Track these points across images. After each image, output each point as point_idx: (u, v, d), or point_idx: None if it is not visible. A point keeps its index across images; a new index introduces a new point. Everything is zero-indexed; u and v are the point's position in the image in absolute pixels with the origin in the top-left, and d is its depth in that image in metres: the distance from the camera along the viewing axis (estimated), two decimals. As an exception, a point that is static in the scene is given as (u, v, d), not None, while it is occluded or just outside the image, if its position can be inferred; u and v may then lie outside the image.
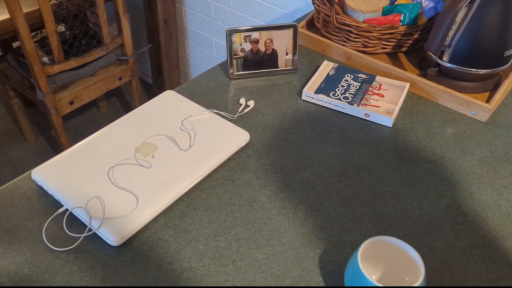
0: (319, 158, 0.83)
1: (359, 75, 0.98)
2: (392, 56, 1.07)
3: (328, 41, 1.07)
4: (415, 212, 0.74)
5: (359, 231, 0.71)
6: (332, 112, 0.93)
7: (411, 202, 0.76)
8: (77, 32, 1.71)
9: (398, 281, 0.61)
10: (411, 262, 0.58)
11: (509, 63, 0.95)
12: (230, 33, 0.96)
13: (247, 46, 0.98)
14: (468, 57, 0.92)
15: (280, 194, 0.76)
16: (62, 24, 1.68)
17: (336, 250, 0.68)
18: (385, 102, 0.92)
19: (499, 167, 0.82)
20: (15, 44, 2.05)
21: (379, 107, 0.90)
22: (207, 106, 0.94)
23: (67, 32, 1.81)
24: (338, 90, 0.94)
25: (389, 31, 1.02)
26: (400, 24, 1.04)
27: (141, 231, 0.70)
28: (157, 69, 2.21)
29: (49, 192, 0.72)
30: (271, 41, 0.98)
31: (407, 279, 0.60)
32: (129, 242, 0.68)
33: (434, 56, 0.96)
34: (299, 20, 1.20)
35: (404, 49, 1.06)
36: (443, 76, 0.97)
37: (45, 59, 1.68)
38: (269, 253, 0.67)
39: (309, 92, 0.94)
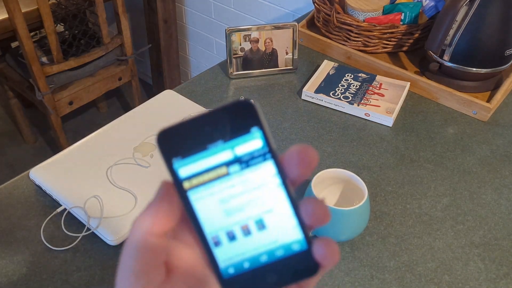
0: (319, 157, 0.82)
1: (360, 74, 0.98)
2: (393, 56, 1.07)
3: (329, 41, 1.07)
4: (415, 212, 0.74)
5: (359, 231, 0.70)
6: (332, 111, 0.93)
7: (411, 201, 0.75)
8: (76, 32, 1.71)
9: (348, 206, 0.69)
10: (360, 190, 0.68)
11: (510, 63, 0.95)
12: (230, 32, 0.96)
13: (247, 46, 0.98)
14: (468, 56, 0.92)
15: (279, 193, 0.76)
16: (61, 24, 1.67)
17: (336, 249, 0.68)
18: (386, 101, 0.91)
19: (500, 167, 0.82)
20: (13, 44, 2.05)
21: (379, 106, 0.90)
22: (207, 105, 0.93)
23: (66, 32, 1.81)
24: (338, 89, 0.94)
25: (390, 30, 1.01)
26: (401, 23, 1.03)
27: (139, 230, 0.69)
28: (157, 69, 2.21)
29: (47, 192, 0.72)
30: (271, 41, 0.98)
31: (354, 204, 0.67)
32: (128, 242, 0.67)
33: (435, 55, 0.96)
34: (299, 20, 1.20)
35: (404, 48, 1.06)
36: (444, 76, 0.97)
37: (44, 59, 1.67)
38: (269, 253, 0.67)
39: (309, 92, 0.94)
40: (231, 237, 0.28)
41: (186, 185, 0.28)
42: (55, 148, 2.20)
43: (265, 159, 0.28)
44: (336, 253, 0.27)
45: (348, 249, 0.68)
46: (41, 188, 0.74)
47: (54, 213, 0.70)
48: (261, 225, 0.28)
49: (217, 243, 0.28)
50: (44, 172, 0.74)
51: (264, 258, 0.28)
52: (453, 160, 0.83)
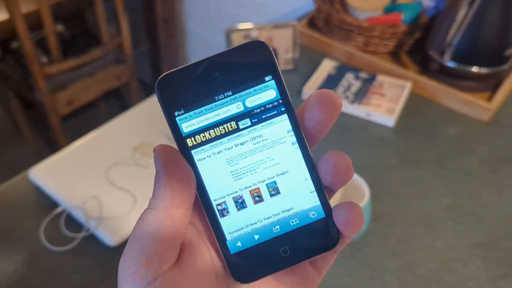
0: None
1: (360, 74, 0.98)
2: (394, 55, 1.07)
3: (329, 40, 1.06)
4: (416, 212, 0.73)
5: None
6: (332, 111, 0.92)
7: (412, 202, 0.75)
8: (75, 32, 1.71)
9: None
10: (361, 191, 0.67)
11: (510, 63, 0.94)
12: (230, 32, 0.95)
13: (247, 45, 0.98)
14: (469, 56, 0.92)
15: (280, 194, 0.75)
16: (61, 24, 1.67)
17: (337, 250, 0.67)
18: (387, 101, 0.91)
19: (500, 167, 0.82)
20: (14, 45, 2.05)
21: (380, 106, 0.90)
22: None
23: (66, 32, 1.80)
24: (339, 89, 0.94)
25: (390, 30, 1.01)
26: (401, 23, 1.03)
27: (139, 231, 0.69)
28: (156, 69, 2.21)
29: (47, 192, 0.72)
30: (271, 40, 0.98)
31: None
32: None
33: (435, 55, 0.96)
34: (299, 19, 1.19)
35: (405, 48, 1.06)
36: (445, 76, 0.96)
37: (44, 59, 1.67)
38: (269, 253, 0.66)
39: (310, 92, 0.93)
40: (240, 204, 0.24)
41: (189, 142, 0.24)
42: (55, 148, 2.19)
43: (279, 113, 0.24)
44: (361, 218, 0.23)
45: (348, 250, 0.67)
46: (40, 189, 0.74)
47: (53, 213, 0.70)
48: (273, 189, 0.24)
49: (223, 211, 0.24)
50: (43, 173, 0.74)
51: (276, 229, 0.24)
52: (453, 160, 0.83)
